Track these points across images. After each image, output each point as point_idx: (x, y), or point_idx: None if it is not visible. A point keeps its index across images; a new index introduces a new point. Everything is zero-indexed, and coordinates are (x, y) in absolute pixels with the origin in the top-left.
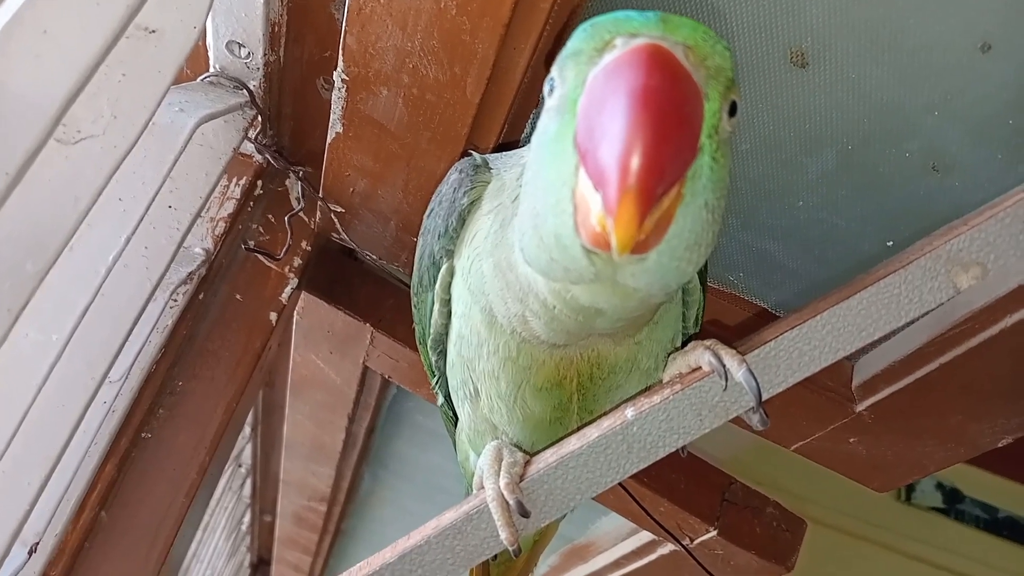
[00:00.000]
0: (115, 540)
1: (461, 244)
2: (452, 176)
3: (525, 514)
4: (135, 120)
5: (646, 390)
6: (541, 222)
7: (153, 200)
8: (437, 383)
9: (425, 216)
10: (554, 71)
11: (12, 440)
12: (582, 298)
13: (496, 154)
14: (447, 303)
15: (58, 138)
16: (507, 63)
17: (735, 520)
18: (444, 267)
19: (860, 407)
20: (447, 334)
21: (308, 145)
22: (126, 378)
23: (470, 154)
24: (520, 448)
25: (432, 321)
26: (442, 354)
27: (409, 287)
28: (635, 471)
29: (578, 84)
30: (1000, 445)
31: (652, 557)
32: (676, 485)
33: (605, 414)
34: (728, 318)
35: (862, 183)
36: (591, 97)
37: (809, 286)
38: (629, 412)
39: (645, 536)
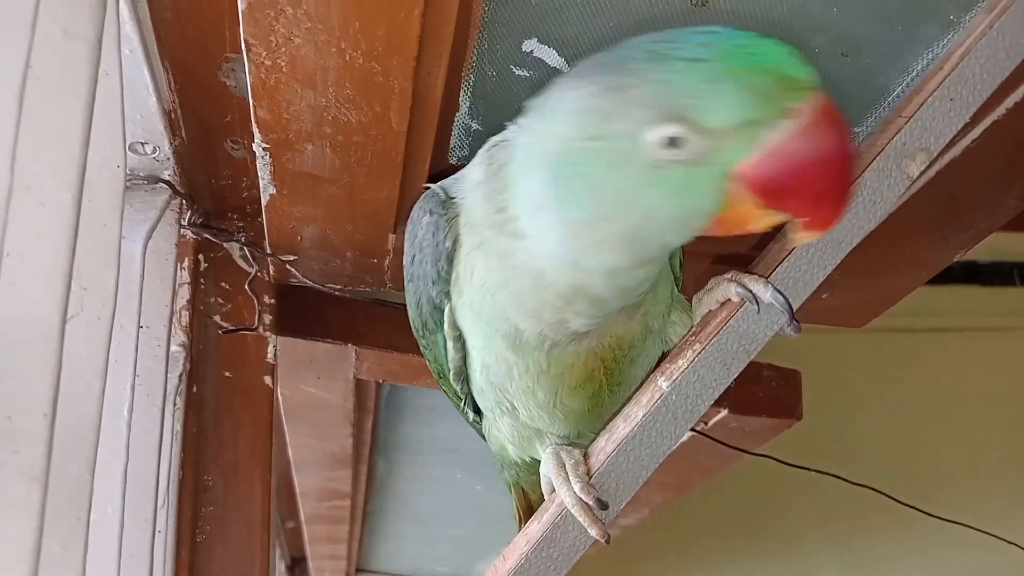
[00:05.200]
0: None
1: (456, 283)
2: (424, 219)
3: (604, 507)
4: (106, 282)
5: (669, 353)
6: (643, 234)
7: (138, 336)
8: (464, 405)
9: (407, 263)
10: (677, 128)
11: None
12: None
13: (447, 182)
14: (459, 338)
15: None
16: (425, 88)
17: (738, 394)
18: (447, 307)
19: None
20: (466, 365)
21: (231, 203)
22: (167, 500)
23: (427, 187)
24: (569, 442)
25: (450, 358)
26: (465, 381)
27: (376, 299)
28: (687, 431)
29: (745, 144)
30: (955, 260)
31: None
32: None
33: (639, 388)
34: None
35: None
36: (789, 158)
37: None
38: (663, 383)
39: None
